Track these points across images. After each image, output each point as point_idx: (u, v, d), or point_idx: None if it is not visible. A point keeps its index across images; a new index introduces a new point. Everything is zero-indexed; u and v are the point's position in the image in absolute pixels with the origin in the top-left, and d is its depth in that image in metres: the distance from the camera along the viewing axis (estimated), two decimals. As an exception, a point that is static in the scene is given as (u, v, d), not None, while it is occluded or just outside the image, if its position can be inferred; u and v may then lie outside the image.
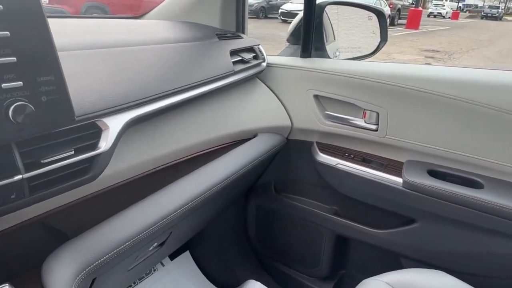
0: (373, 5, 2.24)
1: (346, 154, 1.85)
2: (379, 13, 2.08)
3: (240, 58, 1.72)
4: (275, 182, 2.21)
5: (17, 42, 0.75)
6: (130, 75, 1.15)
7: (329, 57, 2.06)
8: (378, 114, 1.71)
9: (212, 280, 2.46)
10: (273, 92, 1.97)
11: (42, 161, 0.86)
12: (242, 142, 1.81)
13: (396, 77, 1.64)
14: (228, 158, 1.63)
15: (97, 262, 1.03)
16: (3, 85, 0.73)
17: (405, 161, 1.71)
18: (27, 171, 0.84)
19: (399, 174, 1.66)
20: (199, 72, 1.42)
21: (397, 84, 1.63)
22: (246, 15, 2.02)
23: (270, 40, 9.09)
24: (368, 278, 1.34)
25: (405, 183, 1.61)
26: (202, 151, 1.66)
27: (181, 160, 1.57)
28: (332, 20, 2.38)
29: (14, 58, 0.74)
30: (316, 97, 1.87)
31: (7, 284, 0.90)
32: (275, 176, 2.18)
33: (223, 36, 1.77)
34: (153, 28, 1.63)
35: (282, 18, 19.42)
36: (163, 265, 2.43)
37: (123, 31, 1.42)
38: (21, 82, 0.76)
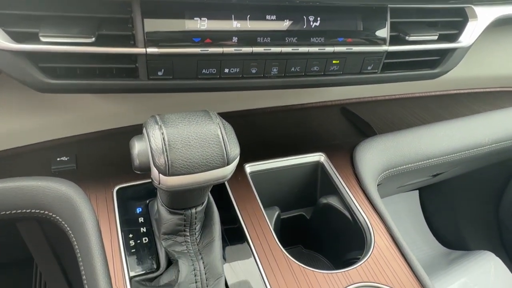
0: None
1: None
2: None
3: None
4: None
5: None
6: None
7: None
8: None
9: (431, 228, 2.24)
10: None
11: (407, 38, 0.75)
12: None
13: None
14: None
15: (401, 167, 0.94)
16: None
17: None
18: (391, 43, 0.75)
19: None
20: None
21: None
22: None
23: None
24: None
25: None
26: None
27: (491, 90, 1.29)
28: None
29: None
30: None
31: (322, 154, 0.91)
32: None
33: None
34: None
35: None
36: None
37: None
38: None
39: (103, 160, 0.81)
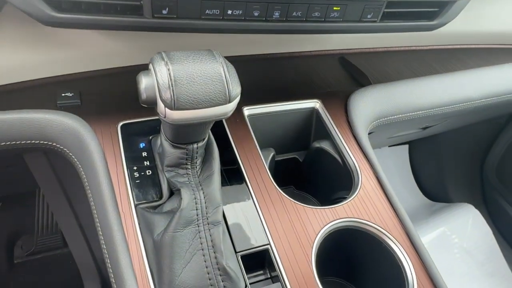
0: None
1: None
2: None
3: None
4: None
5: None
6: None
7: None
8: None
9: (417, 181, 2.34)
10: None
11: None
12: None
13: None
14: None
15: (392, 117, 0.98)
16: None
17: None
18: (394, -6, 0.76)
19: None
20: None
21: None
22: None
23: None
24: None
25: None
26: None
27: (487, 46, 1.31)
28: None
29: None
30: None
31: (318, 101, 0.94)
32: None
33: None
34: None
35: None
36: (379, 148, 2.39)
37: None
38: None
39: (106, 97, 0.83)
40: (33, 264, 1.57)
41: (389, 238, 0.75)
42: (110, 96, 0.84)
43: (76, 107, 0.80)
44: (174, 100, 0.53)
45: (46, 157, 0.86)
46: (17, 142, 0.73)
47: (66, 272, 1.57)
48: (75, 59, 0.85)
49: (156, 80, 0.53)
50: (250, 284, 0.64)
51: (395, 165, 2.41)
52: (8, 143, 0.72)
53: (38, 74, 0.83)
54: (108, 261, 0.64)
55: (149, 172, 0.72)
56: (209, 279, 0.60)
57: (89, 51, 0.85)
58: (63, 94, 0.81)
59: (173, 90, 0.53)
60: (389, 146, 2.42)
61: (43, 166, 0.88)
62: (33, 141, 0.74)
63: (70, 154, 0.74)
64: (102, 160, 0.70)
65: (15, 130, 0.71)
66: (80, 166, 0.73)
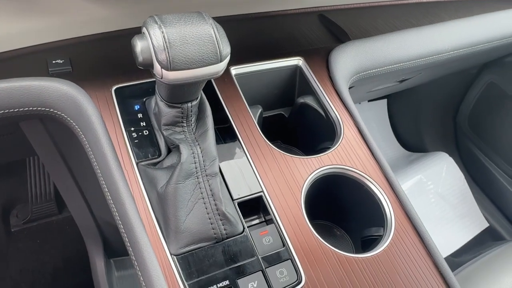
0: None
1: None
2: None
3: None
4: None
5: None
6: None
7: None
8: None
9: (396, 133, 2.44)
10: None
11: None
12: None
13: None
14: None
15: (371, 71, 1.04)
16: None
17: None
18: (369, -51, 0.79)
19: None
20: None
21: None
22: None
23: None
24: None
25: None
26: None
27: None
28: None
29: None
30: None
31: (300, 59, 0.98)
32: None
33: None
34: None
35: None
36: (359, 103, 2.46)
37: None
38: None
39: (97, 62, 0.85)
40: (31, 231, 1.62)
41: (370, 181, 0.83)
42: (100, 61, 0.86)
43: (67, 74, 0.82)
44: (169, 61, 0.57)
45: (42, 124, 0.89)
46: (15, 110, 0.76)
47: (64, 237, 1.64)
48: (62, 25, 0.86)
49: (151, 43, 0.57)
50: (247, 227, 0.71)
51: (375, 119, 2.50)
52: (7, 111, 0.74)
53: (26, 42, 0.84)
54: (117, 215, 0.70)
55: (146, 132, 0.76)
56: (211, 224, 0.67)
57: (75, 17, 0.86)
58: (53, 61, 0.83)
59: (168, 52, 0.56)
60: (368, 101, 2.49)
61: (40, 132, 0.90)
62: (31, 108, 0.77)
63: (68, 119, 0.77)
64: (101, 123, 0.74)
65: (13, 98, 0.74)
66: (79, 130, 0.77)
